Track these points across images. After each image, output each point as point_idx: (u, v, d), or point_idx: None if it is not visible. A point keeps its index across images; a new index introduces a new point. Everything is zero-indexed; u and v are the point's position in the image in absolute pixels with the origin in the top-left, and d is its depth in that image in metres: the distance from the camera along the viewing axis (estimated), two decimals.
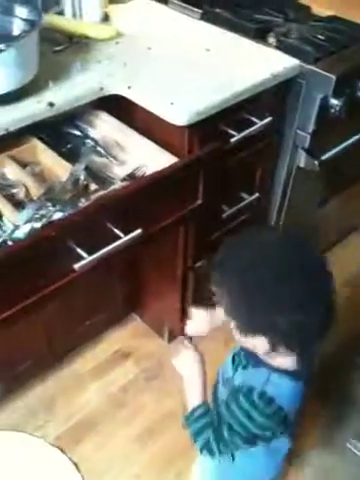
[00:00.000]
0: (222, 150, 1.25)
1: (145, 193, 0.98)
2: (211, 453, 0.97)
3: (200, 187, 1.11)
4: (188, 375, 1.05)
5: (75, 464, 1.51)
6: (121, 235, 0.95)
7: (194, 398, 1.02)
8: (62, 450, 1.54)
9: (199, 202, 1.13)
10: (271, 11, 1.55)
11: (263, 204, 1.61)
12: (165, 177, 0.99)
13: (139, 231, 0.97)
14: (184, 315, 1.63)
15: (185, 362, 1.07)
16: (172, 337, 1.80)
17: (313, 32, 1.47)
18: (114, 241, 0.94)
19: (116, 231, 0.94)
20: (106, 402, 1.66)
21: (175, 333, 1.77)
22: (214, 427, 0.96)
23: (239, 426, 0.92)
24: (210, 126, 1.21)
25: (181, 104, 1.14)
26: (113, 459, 1.54)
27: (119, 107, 1.22)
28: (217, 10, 1.53)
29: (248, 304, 0.83)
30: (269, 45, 1.42)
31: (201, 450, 0.98)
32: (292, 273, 0.82)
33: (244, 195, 1.49)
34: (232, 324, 0.88)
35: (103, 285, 1.59)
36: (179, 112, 1.13)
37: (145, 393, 1.69)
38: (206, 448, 0.97)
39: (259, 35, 1.44)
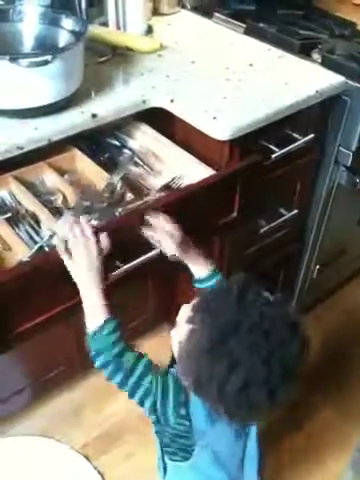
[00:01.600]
0: (261, 165, 1.24)
1: (180, 204, 0.97)
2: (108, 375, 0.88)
3: (236, 201, 1.10)
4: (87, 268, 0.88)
5: (100, 474, 1.51)
6: (156, 245, 0.95)
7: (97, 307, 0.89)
8: (88, 458, 1.54)
9: (234, 215, 1.12)
10: (316, 27, 1.54)
11: (301, 221, 1.59)
12: (201, 189, 0.99)
13: None
14: None
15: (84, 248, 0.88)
16: None
17: (358, 48, 1.45)
18: (148, 252, 0.93)
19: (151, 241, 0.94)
20: (135, 413, 1.65)
21: None
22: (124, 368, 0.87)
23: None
24: (251, 141, 1.20)
25: (224, 119, 1.14)
26: (140, 471, 1.52)
27: (159, 119, 1.23)
28: (261, 25, 1.53)
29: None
30: (314, 61, 1.40)
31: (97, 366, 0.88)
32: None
33: (282, 211, 1.47)
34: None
35: (137, 294, 1.59)
36: (221, 127, 1.13)
37: None
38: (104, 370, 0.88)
39: (304, 51, 1.43)
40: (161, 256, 0.97)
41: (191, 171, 1.10)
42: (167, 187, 1.05)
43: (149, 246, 0.97)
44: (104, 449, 1.57)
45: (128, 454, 1.56)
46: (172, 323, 1.82)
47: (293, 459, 1.57)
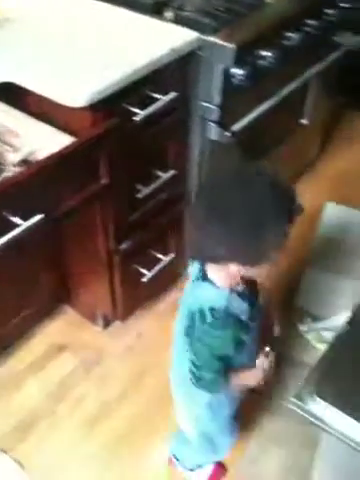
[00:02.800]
0: (126, 128, 1.24)
1: (41, 177, 0.95)
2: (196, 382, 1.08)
3: (102, 167, 1.09)
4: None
5: (19, 463, 1.49)
6: (20, 222, 0.92)
7: None
8: (3, 451, 1.51)
9: (104, 182, 1.11)
10: None
11: (181, 180, 1.61)
12: (61, 159, 0.97)
13: (40, 216, 0.94)
14: (114, 298, 1.62)
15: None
16: (106, 322, 1.79)
17: (210, 3, 1.47)
18: (12, 229, 0.91)
19: (13, 219, 0.91)
20: (46, 397, 1.64)
21: (109, 318, 1.76)
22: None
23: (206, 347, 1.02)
24: (112, 105, 1.19)
25: (77, 86, 1.12)
26: (59, 452, 1.52)
27: (11, 93, 1.18)
28: None
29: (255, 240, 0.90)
30: (167, 20, 1.41)
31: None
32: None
33: (159, 173, 1.49)
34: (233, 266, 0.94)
35: (27, 278, 1.56)
36: (76, 94, 1.11)
37: (85, 382, 1.68)
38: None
39: (156, 10, 1.43)
40: (30, 233, 0.95)
41: (52, 142, 1.07)
42: (25, 162, 1.02)
43: (12, 224, 0.93)
44: (20, 438, 1.54)
45: (45, 438, 1.54)
46: (72, 303, 1.82)
47: None
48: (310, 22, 1.61)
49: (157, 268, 1.67)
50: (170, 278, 1.88)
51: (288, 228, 0.94)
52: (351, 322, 1.53)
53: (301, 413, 1.34)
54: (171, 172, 1.51)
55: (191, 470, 1.47)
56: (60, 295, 1.78)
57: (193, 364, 1.06)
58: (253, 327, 1.08)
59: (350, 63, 2.10)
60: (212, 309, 0.98)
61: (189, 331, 1.04)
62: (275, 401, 1.62)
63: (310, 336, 1.78)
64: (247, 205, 0.90)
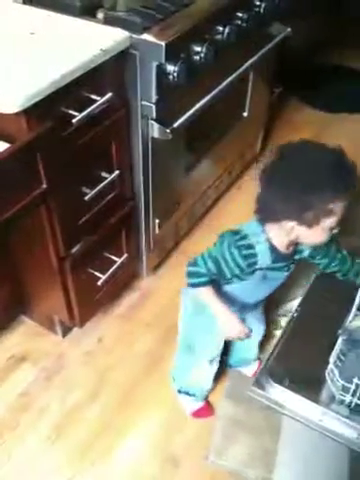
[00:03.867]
0: (63, 131, 1.23)
1: None
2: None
3: (41, 172, 1.08)
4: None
5: None
6: None
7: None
8: None
9: (45, 187, 1.11)
10: None
11: (127, 180, 1.62)
12: None
13: None
14: (70, 304, 1.61)
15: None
16: (65, 329, 1.78)
17: (140, 2, 1.47)
18: None
19: None
20: (8, 410, 1.61)
21: (67, 325, 1.75)
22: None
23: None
24: (47, 110, 1.18)
25: (9, 91, 1.10)
26: (24, 466, 1.50)
27: None
28: None
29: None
30: (98, 21, 1.41)
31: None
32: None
33: (104, 174, 1.48)
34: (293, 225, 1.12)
35: None
36: (7, 99, 1.09)
37: (48, 391, 1.66)
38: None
39: (87, 12, 1.42)
40: None
41: None
42: None
43: None
44: None
45: (8, 453, 1.52)
46: (29, 313, 1.79)
47: None
48: (240, 15, 1.64)
49: (111, 270, 1.67)
50: (125, 279, 1.89)
51: (342, 199, 1.07)
52: (301, 305, 1.57)
53: (261, 399, 1.38)
54: (116, 172, 1.51)
55: (181, 392, 1.60)
56: (15, 306, 1.75)
57: (194, 259, 1.22)
58: (263, 278, 1.24)
59: (284, 52, 2.16)
60: (241, 232, 1.17)
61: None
62: (237, 388, 1.65)
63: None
64: (304, 170, 1.06)
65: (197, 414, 1.61)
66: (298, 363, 1.43)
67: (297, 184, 1.06)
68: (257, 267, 1.20)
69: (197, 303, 1.32)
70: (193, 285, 1.24)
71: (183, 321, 1.45)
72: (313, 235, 1.14)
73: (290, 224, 1.12)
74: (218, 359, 1.50)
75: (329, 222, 1.10)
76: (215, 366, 1.51)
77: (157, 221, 1.82)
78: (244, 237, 1.18)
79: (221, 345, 1.46)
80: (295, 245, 1.23)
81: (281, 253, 1.21)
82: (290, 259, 1.25)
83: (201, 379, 1.55)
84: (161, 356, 1.73)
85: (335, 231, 1.15)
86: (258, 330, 1.54)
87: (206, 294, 1.25)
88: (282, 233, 1.16)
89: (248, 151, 2.38)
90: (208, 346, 1.46)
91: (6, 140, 1.11)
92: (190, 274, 1.24)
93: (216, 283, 1.26)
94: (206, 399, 1.63)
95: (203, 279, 1.22)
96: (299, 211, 1.09)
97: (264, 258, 1.19)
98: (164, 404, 1.63)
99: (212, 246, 1.22)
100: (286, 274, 1.29)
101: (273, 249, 1.19)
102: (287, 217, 1.12)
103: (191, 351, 1.47)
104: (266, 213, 1.17)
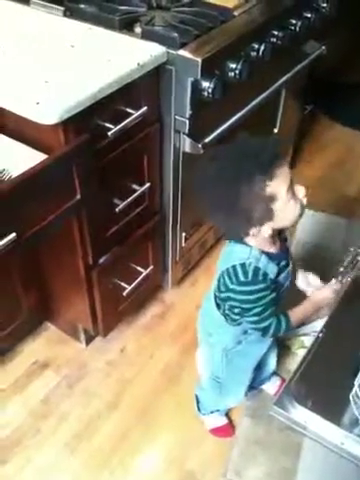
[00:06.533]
0: (99, 143, 1.25)
1: (12, 196, 0.95)
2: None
3: (76, 183, 1.10)
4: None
5: None
6: None
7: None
8: None
9: (79, 197, 1.12)
10: (134, 1, 1.56)
11: (157, 193, 1.63)
12: (31, 177, 0.97)
13: (12, 236, 0.94)
14: (95, 314, 1.62)
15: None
16: (89, 338, 1.79)
17: (177, 18, 1.49)
18: None
19: None
20: (29, 416, 1.62)
21: (91, 333, 1.76)
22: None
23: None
24: (84, 122, 1.20)
25: (48, 102, 1.12)
26: (42, 472, 1.51)
27: None
28: (81, 6, 1.52)
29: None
30: (136, 35, 1.43)
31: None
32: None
33: (135, 186, 1.50)
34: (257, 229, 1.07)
35: (6, 297, 1.55)
36: (46, 111, 1.11)
37: (69, 399, 1.67)
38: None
39: (125, 26, 1.44)
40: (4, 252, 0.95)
41: (25, 160, 1.08)
42: None
43: None
44: (3, 460, 1.52)
45: (29, 459, 1.53)
46: (53, 319, 1.81)
47: None
48: (276, 33, 1.64)
49: (137, 281, 1.68)
50: (150, 290, 1.89)
51: (273, 176, 1.02)
52: (327, 326, 1.55)
53: (282, 420, 1.36)
54: (147, 185, 1.52)
55: (204, 414, 1.60)
56: (41, 312, 1.77)
57: (251, 322, 1.19)
58: (284, 279, 1.20)
59: (316, 69, 2.16)
60: (243, 266, 1.10)
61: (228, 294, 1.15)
62: (257, 407, 1.63)
63: (290, 343, 1.80)
64: (219, 178, 1.01)
65: (217, 432, 1.60)
66: (322, 384, 1.41)
67: (224, 196, 1.01)
68: (271, 278, 1.15)
69: (229, 351, 1.32)
70: (275, 334, 1.23)
71: (215, 369, 1.42)
72: (283, 217, 1.07)
73: (253, 231, 1.07)
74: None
75: (281, 200, 1.04)
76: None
77: (184, 234, 1.83)
78: (244, 267, 1.11)
79: (253, 375, 1.47)
80: (279, 234, 1.19)
81: (275, 253, 1.16)
82: (285, 252, 1.22)
83: (233, 402, 1.57)
84: (182, 368, 1.73)
85: (302, 195, 1.10)
86: (272, 344, 1.52)
87: (294, 318, 1.24)
88: (260, 237, 1.10)
89: None
90: (243, 384, 1.47)
91: (44, 151, 1.13)
92: (264, 332, 1.21)
93: (276, 301, 1.20)
94: (227, 415, 1.62)
95: (273, 323, 1.19)
96: (245, 219, 1.04)
97: (271, 268, 1.14)
98: (183, 418, 1.63)
99: (236, 304, 1.17)
100: (289, 270, 1.24)
101: (270, 256, 1.14)
102: (245, 228, 1.07)
103: (224, 392, 1.47)
104: (230, 234, 1.14)
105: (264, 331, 1.21)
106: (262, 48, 1.57)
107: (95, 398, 1.67)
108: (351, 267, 1.25)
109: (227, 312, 1.23)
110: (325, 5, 1.90)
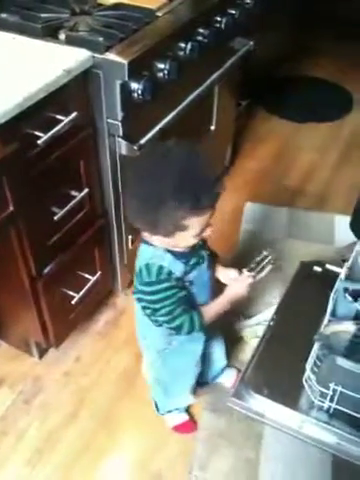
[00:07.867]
0: (30, 152, 1.23)
1: None
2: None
3: (7, 194, 1.08)
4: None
5: None
6: None
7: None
8: None
9: (12, 209, 1.10)
10: (57, 8, 1.54)
11: (97, 197, 1.62)
12: None
13: None
14: (45, 325, 1.59)
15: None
16: (41, 351, 1.76)
17: (101, 22, 1.49)
18: None
19: None
20: None
21: (43, 346, 1.73)
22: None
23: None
24: (11, 131, 1.18)
25: None
26: None
27: None
28: (3, 15, 1.50)
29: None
30: (61, 42, 1.42)
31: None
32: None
33: (73, 193, 1.48)
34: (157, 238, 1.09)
35: None
36: None
37: (27, 415, 1.64)
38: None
39: (49, 34, 1.43)
40: None
41: None
42: None
43: None
44: None
45: None
46: (4, 335, 1.77)
47: None
48: (201, 31, 1.66)
49: (85, 289, 1.66)
50: (100, 297, 1.88)
51: (194, 215, 1.03)
52: (277, 313, 1.58)
53: (240, 410, 1.38)
54: (85, 190, 1.51)
55: (163, 414, 1.60)
56: None
57: (163, 322, 1.19)
58: (197, 276, 1.20)
59: (250, 64, 2.20)
60: (147, 266, 1.11)
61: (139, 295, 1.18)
62: (216, 401, 1.65)
63: (245, 333, 1.82)
64: (148, 181, 1.02)
65: (179, 429, 1.60)
66: (276, 371, 1.44)
67: (141, 197, 1.04)
68: (178, 276, 1.15)
69: (162, 352, 1.34)
70: (190, 332, 1.21)
71: (154, 372, 1.47)
72: (179, 242, 1.11)
73: (156, 237, 1.10)
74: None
75: (188, 233, 1.07)
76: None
77: (130, 237, 1.82)
78: (148, 268, 1.13)
79: (197, 373, 1.48)
80: None
81: (182, 252, 1.17)
82: (197, 250, 1.22)
83: (183, 402, 1.58)
84: (139, 372, 1.72)
85: (206, 234, 1.12)
86: (218, 336, 1.57)
87: (207, 315, 1.24)
88: (165, 242, 1.12)
89: (218, 164, 2.40)
90: (186, 383, 1.49)
91: None
92: (177, 331, 1.21)
93: (188, 299, 1.22)
94: (188, 411, 1.63)
95: (186, 321, 1.19)
96: (151, 225, 1.06)
97: (177, 267, 1.15)
98: (145, 421, 1.62)
99: (147, 305, 1.20)
100: (205, 265, 1.24)
101: (176, 255, 1.15)
102: (148, 231, 1.10)
103: (169, 393, 1.51)
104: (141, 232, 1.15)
105: (177, 329, 1.20)
106: (189, 47, 1.59)
107: (53, 411, 1.65)
108: (259, 268, 1.29)
109: (146, 313, 1.24)
110: (249, 1, 1.94)
